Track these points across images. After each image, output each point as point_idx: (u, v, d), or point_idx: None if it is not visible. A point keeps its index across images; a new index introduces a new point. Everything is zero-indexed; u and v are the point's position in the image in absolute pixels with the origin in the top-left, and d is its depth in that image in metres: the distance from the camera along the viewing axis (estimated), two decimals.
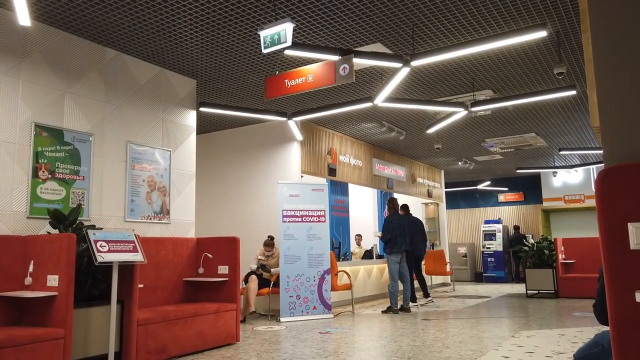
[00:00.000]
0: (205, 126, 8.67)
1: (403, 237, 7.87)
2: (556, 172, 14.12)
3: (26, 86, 4.65)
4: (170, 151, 5.96)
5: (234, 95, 7.05)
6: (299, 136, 8.08)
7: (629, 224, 1.68)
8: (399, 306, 7.89)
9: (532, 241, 10.68)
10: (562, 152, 10.63)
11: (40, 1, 4.41)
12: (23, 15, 3.88)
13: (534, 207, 15.16)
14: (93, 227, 4.58)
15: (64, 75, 4.97)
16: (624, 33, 1.88)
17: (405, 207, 9.22)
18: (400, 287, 8.21)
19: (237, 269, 5.50)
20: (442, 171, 13.95)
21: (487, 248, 14.63)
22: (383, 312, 7.86)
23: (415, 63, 5.04)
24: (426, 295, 9.19)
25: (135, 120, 5.63)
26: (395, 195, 12.16)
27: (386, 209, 8.55)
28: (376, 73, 6.31)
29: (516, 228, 14.26)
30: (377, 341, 5.40)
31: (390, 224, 7.89)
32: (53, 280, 3.88)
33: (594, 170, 13.74)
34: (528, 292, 10.05)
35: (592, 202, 13.76)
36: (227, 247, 5.58)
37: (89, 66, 5.22)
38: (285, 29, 4.21)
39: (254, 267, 7.49)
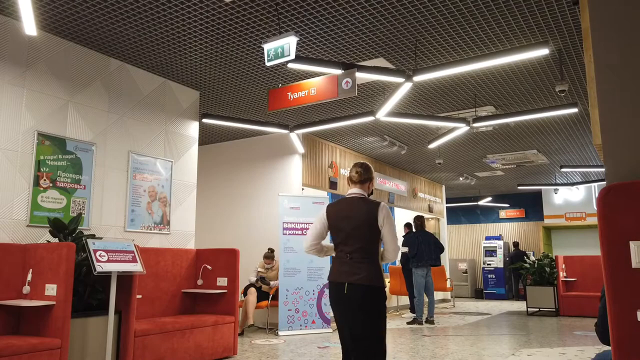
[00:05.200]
0: (207, 137, 8.70)
1: (429, 252, 8.32)
2: (557, 190, 14.10)
3: (30, 95, 4.67)
4: (171, 162, 5.97)
5: (237, 107, 7.08)
6: (300, 149, 8.09)
7: (630, 242, 1.67)
8: (424, 318, 8.26)
9: (533, 258, 10.62)
10: (563, 170, 10.63)
11: (46, 11, 4.45)
12: (29, 25, 3.92)
13: (535, 224, 15.12)
14: (93, 236, 4.57)
15: (68, 85, 5.00)
16: (625, 51, 1.89)
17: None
18: (425, 299, 8.43)
19: (236, 281, 5.48)
20: (444, 186, 13.94)
21: (488, 264, 14.56)
22: (408, 323, 8.17)
23: (418, 78, 5.06)
24: (412, 310, 9.17)
25: (138, 130, 5.65)
26: (396, 210, 12.14)
27: (411, 225, 9.23)
28: (378, 87, 6.34)
29: (515, 245, 14.21)
30: None
31: (417, 239, 8.37)
32: (51, 289, 3.86)
33: (595, 188, 13.72)
34: (529, 309, 9.98)
35: (593, 220, 13.71)
36: (227, 259, 5.55)
37: (93, 76, 5.25)
38: (289, 43, 4.24)
39: (253, 279, 7.45)
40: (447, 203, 15.19)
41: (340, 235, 2.89)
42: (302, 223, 7.43)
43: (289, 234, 7.32)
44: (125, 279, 4.39)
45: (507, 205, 15.48)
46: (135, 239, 5.40)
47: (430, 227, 13.88)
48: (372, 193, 3.05)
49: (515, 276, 14.32)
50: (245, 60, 5.51)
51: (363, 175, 2.98)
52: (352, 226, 2.85)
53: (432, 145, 7.99)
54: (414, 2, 4.30)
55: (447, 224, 16.22)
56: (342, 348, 2.88)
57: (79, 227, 4.51)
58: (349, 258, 2.84)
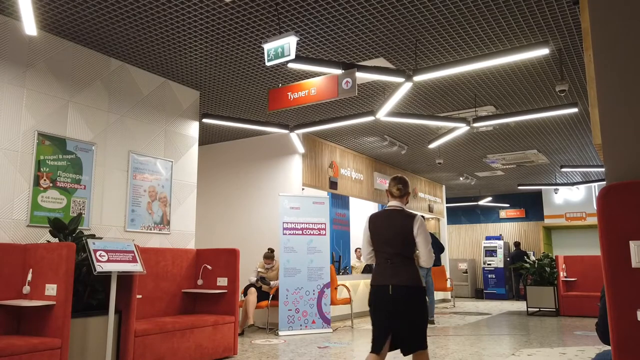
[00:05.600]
0: (207, 137, 8.70)
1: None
2: (558, 189, 14.10)
3: (30, 95, 4.67)
4: (172, 162, 5.97)
5: (237, 107, 7.08)
6: (300, 149, 8.09)
7: (630, 242, 1.67)
8: None
9: (533, 258, 10.62)
10: (563, 169, 10.62)
11: (46, 11, 4.46)
12: (29, 25, 3.92)
13: (535, 224, 15.11)
14: (93, 236, 4.57)
15: (68, 85, 5.00)
16: (625, 51, 1.89)
17: None
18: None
19: (236, 281, 5.48)
20: (444, 186, 13.94)
21: (488, 264, 14.55)
22: None
23: (418, 78, 5.06)
24: None
25: (138, 130, 5.65)
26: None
27: None
28: (378, 87, 6.34)
29: (516, 244, 14.20)
30: None
31: None
32: (51, 289, 3.86)
33: (595, 187, 13.72)
34: (529, 309, 9.98)
35: (593, 220, 13.71)
36: (227, 259, 5.55)
37: (93, 76, 5.25)
38: (289, 43, 4.24)
39: (254, 279, 7.45)
40: (447, 203, 15.19)
41: (380, 243, 3.29)
42: (302, 223, 7.43)
43: (289, 234, 7.32)
44: (126, 279, 4.39)
45: (508, 205, 15.48)
46: (135, 239, 5.41)
47: (430, 227, 13.88)
48: (407, 202, 3.43)
49: (515, 276, 14.32)
50: (246, 60, 5.51)
51: (402, 191, 3.38)
52: (391, 235, 3.25)
53: (432, 145, 7.99)
54: (414, 2, 4.30)
55: (447, 224, 16.22)
56: (373, 337, 3.24)
57: (79, 227, 4.51)
58: (390, 263, 3.24)
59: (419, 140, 8.92)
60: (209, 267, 5.66)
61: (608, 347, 4.04)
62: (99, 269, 3.97)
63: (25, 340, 3.56)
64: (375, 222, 3.34)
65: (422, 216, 3.22)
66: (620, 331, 1.64)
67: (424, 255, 3.23)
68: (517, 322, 8.55)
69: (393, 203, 3.38)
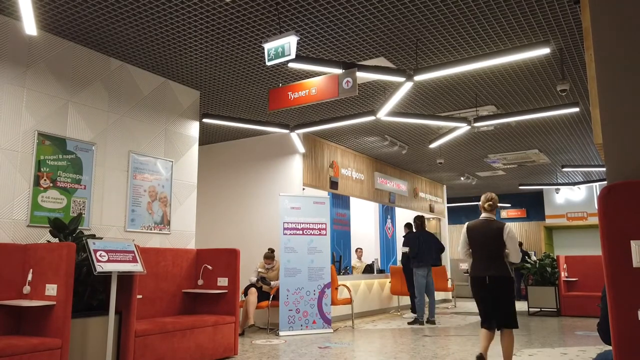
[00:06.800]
0: (207, 137, 8.69)
1: (429, 252, 8.29)
2: (559, 189, 14.08)
3: (30, 95, 4.67)
4: (172, 162, 5.97)
5: (237, 107, 7.08)
6: (301, 149, 8.08)
7: (632, 241, 1.66)
8: (425, 319, 8.21)
9: (534, 258, 10.61)
10: (565, 169, 10.61)
11: (46, 11, 4.45)
12: (29, 25, 3.91)
13: (536, 224, 15.10)
14: (93, 236, 4.56)
15: (68, 85, 5.00)
16: (627, 51, 1.88)
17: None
18: (426, 299, 8.41)
19: (236, 281, 5.47)
20: (445, 186, 13.92)
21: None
22: (409, 323, 8.16)
23: (419, 78, 5.05)
24: (413, 310, 9.16)
25: (138, 130, 5.65)
26: (397, 210, 12.14)
27: (411, 225, 9.14)
28: (379, 87, 6.33)
29: (519, 245, 14.16)
30: (377, 357, 5.34)
31: (418, 239, 8.35)
32: (52, 289, 3.86)
33: (596, 187, 13.70)
34: (530, 309, 9.96)
35: (595, 220, 13.69)
36: (227, 259, 5.55)
37: (93, 76, 5.25)
38: (290, 42, 4.24)
39: (254, 279, 7.45)
40: (448, 203, 15.17)
41: (478, 244, 4.45)
42: (302, 223, 7.42)
43: (290, 234, 7.31)
44: (126, 279, 4.39)
45: (509, 205, 15.47)
46: (135, 239, 5.40)
47: (431, 227, 13.87)
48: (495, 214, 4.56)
49: (516, 276, 14.29)
50: (246, 60, 5.50)
51: (493, 207, 4.54)
52: (486, 238, 4.41)
53: (433, 145, 7.98)
54: (414, 2, 4.29)
55: (448, 224, 16.20)
56: (481, 316, 4.40)
57: (79, 227, 4.51)
58: (486, 259, 4.37)
59: (419, 140, 8.91)
60: (209, 267, 5.66)
61: (609, 347, 4.03)
62: (99, 269, 3.97)
63: (25, 341, 3.56)
64: (473, 229, 4.52)
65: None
66: (622, 331, 1.63)
67: (513, 252, 4.32)
68: (518, 322, 8.53)
69: (485, 215, 4.52)
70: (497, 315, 4.30)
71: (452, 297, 13.02)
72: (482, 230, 4.45)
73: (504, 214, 15.62)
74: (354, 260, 10.91)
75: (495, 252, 4.34)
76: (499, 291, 4.28)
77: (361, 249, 10.98)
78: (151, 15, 4.52)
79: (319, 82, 5.03)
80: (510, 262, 4.45)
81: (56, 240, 4.44)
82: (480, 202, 4.63)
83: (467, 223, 4.62)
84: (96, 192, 5.11)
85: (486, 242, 4.39)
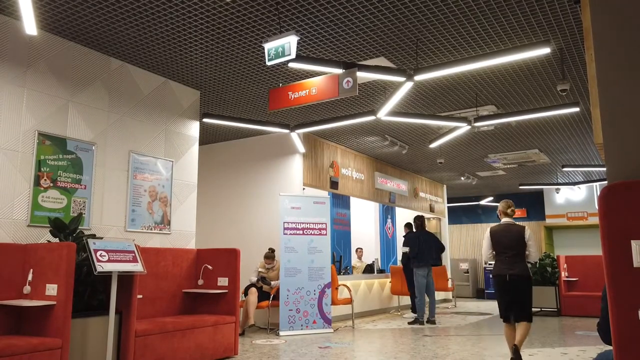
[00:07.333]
0: (207, 137, 8.70)
1: (430, 252, 8.30)
2: (559, 189, 14.07)
3: (31, 95, 4.67)
4: (172, 161, 5.97)
5: (237, 106, 7.08)
6: (301, 148, 8.08)
7: (632, 241, 1.66)
8: (425, 318, 8.21)
9: None
10: (565, 169, 10.60)
11: (46, 11, 4.45)
12: (30, 25, 3.91)
13: (536, 223, 15.09)
14: (93, 236, 4.56)
15: (69, 85, 5.00)
16: (627, 51, 1.88)
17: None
18: (426, 299, 8.42)
19: (236, 281, 5.47)
20: (445, 186, 13.92)
21: (490, 264, 14.53)
22: (409, 323, 8.17)
23: (419, 77, 5.05)
24: (414, 310, 9.16)
25: (138, 130, 5.65)
26: (397, 210, 12.13)
27: (411, 225, 9.13)
28: (379, 87, 6.33)
29: None
30: (377, 357, 5.34)
31: (418, 239, 8.36)
32: (52, 289, 3.86)
33: (597, 187, 13.69)
34: None
35: (595, 220, 13.68)
36: (227, 259, 5.55)
37: (93, 76, 5.25)
38: (290, 42, 4.24)
39: (254, 279, 7.45)
40: (448, 203, 15.17)
41: (501, 246, 4.83)
42: (303, 223, 7.42)
43: (290, 234, 7.31)
44: (126, 279, 4.39)
45: None
46: (135, 239, 5.40)
47: (431, 227, 13.87)
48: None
49: None
50: (246, 60, 5.50)
51: (514, 212, 4.98)
52: (509, 240, 4.80)
53: (433, 145, 7.98)
54: (414, 2, 4.29)
55: (449, 223, 16.20)
56: (500, 310, 4.80)
57: (79, 227, 4.51)
58: (508, 259, 4.78)
59: (420, 139, 8.91)
60: (209, 267, 5.66)
61: (609, 347, 4.03)
62: (99, 269, 3.97)
63: (25, 341, 3.56)
64: (496, 232, 4.88)
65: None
66: (622, 331, 1.63)
67: (534, 252, 4.79)
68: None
69: (506, 219, 4.92)
70: (515, 309, 4.68)
71: (453, 297, 13.02)
72: (505, 233, 4.84)
73: None
74: (354, 260, 10.91)
75: (517, 253, 4.75)
76: (519, 289, 4.68)
77: (361, 248, 10.98)
78: (151, 15, 4.52)
79: (319, 82, 5.03)
80: (530, 263, 4.85)
81: (56, 240, 4.44)
82: (500, 208, 5.01)
83: (489, 228, 4.97)
84: (96, 192, 5.11)
85: (509, 244, 4.77)
